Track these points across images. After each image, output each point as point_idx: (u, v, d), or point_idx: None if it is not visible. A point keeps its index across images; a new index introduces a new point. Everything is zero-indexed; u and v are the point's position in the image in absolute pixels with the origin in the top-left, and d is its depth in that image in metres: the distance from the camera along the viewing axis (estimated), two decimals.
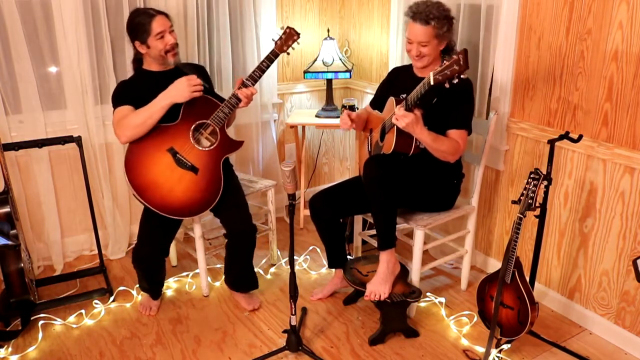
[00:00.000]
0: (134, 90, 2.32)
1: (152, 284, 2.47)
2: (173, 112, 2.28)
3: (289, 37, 2.41)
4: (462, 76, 1.88)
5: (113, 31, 2.75)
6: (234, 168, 2.78)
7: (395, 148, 2.16)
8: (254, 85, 2.34)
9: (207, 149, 2.32)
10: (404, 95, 2.26)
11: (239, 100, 2.32)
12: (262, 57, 3.11)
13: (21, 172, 2.72)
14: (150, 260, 2.37)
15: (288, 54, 2.42)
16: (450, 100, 2.17)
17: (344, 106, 3.14)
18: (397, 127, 2.10)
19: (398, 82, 2.44)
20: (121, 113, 2.26)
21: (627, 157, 2.06)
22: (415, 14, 2.15)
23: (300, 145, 3.40)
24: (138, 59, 2.41)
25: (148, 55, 2.33)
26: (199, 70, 2.51)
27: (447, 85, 1.92)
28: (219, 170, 2.33)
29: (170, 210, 2.27)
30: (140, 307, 2.51)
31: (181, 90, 2.21)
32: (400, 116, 2.04)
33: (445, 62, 1.88)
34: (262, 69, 2.34)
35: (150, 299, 2.52)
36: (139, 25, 2.26)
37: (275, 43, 2.40)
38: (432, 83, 1.93)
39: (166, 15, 2.32)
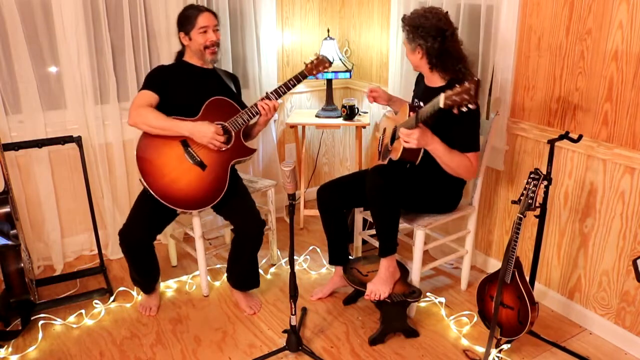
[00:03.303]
0: (167, 76, 2.41)
1: (142, 273, 2.42)
2: (194, 107, 2.35)
3: (320, 63, 2.51)
4: (470, 106, 1.80)
5: (113, 31, 2.75)
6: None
7: (402, 156, 2.15)
8: (277, 99, 2.41)
9: (219, 149, 2.35)
10: (417, 103, 2.28)
11: (258, 111, 2.39)
12: (262, 57, 3.18)
13: (21, 172, 2.72)
14: (136, 241, 2.30)
15: (317, 78, 2.55)
16: (454, 122, 2.09)
17: (344, 106, 3.14)
18: None
19: (417, 87, 2.49)
20: (143, 96, 2.34)
21: (627, 157, 2.06)
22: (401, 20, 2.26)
23: (300, 145, 3.40)
24: (180, 52, 2.52)
25: (189, 48, 2.44)
26: (232, 79, 2.62)
27: (455, 112, 1.85)
28: (226, 171, 2.36)
29: (170, 200, 2.29)
30: (140, 308, 2.51)
31: (203, 136, 2.29)
32: (406, 136, 2.03)
33: (457, 86, 1.82)
34: (288, 86, 2.43)
35: (149, 299, 2.51)
36: (187, 17, 2.40)
37: (306, 65, 2.50)
38: (441, 106, 1.87)
39: (214, 14, 2.43)
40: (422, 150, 2.14)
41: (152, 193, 2.27)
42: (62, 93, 2.75)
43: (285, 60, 3.41)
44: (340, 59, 3.22)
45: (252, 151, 2.45)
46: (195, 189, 2.32)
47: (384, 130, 2.54)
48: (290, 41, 3.40)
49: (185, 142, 2.33)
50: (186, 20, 2.39)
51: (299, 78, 2.45)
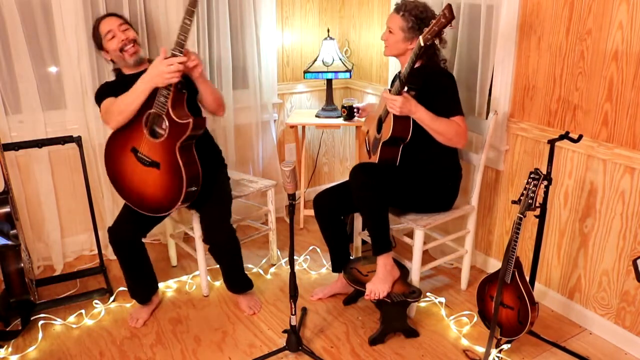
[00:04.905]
0: (113, 92, 2.29)
1: (134, 277, 2.39)
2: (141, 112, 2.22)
3: None
4: (451, 26, 1.92)
5: None
6: (234, 168, 2.78)
7: (393, 133, 2.18)
8: (182, 53, 2.07)
9: (160, 140, 2.19)
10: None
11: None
12: (262, 57, 3.17)
13: (21, 172, 2.72)
14: (124, 239, 2.29)
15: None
16: (429, 91, 2.19)
17: (343, 106, 3.14)
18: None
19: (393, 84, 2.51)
20: (108, 103, 2.26)
21: (627, 157, 2.06)
22: (396, 6, 2.28)
23: (300, 145, 3.40)
24: (118, 69, 2.42)
25: (117, 62, 2.34)
26: None
27: (437, 42, 2.00)
28: (176, 157, 2.18)
29: (151, 209, 2.28)
30: (128, 316, 2.45)
31: (158, 75, 2.05)
32: (390, 100, 2.10)
33: (433, 21, 1.94)
34: (185, 28, 2.03)
35: (140, 310, 2.45)
36: (93, 33, 2.30)
37: None
38: (422, 44, 1.96)
39: (117, 15, 2.32)
40: (412, 125, 2.17)
41: (136, 209, 2.28)
42: (62, 93, 2.75)
43: (285, 60, 3.41)
44: (340, 59, 3.22)
45: (187, 125, 2.13)
46: (160, 189, 2.24)
47: (368, 131, 2.56)
48: (290, 41, 3.40)
49: (134, 149, 2.23)
50: (95, 35, 2.29)
51: (190, 11, 2.02)
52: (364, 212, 2.25)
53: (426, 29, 1.95)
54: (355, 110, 2.90)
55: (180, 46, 2.05)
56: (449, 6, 1.88)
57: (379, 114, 2.37)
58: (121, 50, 2.27)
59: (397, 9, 2.25)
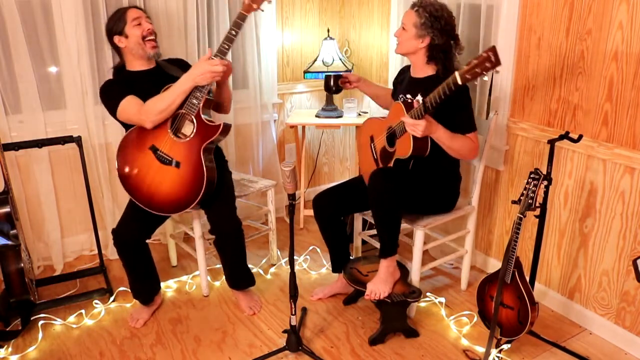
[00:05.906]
0: (127, 89, 2.26)
1: (139, 278, 2.40)
2: None
3: None
4: (497, 70, 1.84)
5: None
6: (234, 168, 2.78)
7: (413, 152, 2.14)
8: (223, 58, 2.18)
9: (185, 140, 2.24)
10: (410, 97, 2.26)
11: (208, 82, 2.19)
12: (262, 57, 3.17)
13: (21, 172, 2.72)
14: (129, 240, 2.30)
15: (262, 10, 2.21)
16: (448, 107, 2.13)
17: (335, 76, 3.00)
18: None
19: (400, 83, 2.47)
20: (132, 102, 2.23)
21: (627, 157, 2.06)
22: (413, 3, 2.24)
23: (300, 145, 3.40)
24: (119, 67, 2.40)
25: (128, 51, 2.30)
26: (178, 64, 2.48)
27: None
28: (200, 159, 2.24)
29: (161, 208, 2.27)
30: (129, 316, 2.45)
31: (201, 74, 2.13)
32: (412, 125, 2.05)
33: (474, 60, 1.85)
34: (230, 38, 2.16)
35: (141, 310, 2.46)
36: (115, 19, 2.29)
37: (243, 4, 2.18)
38: (460, 83, 1.89)
39: (139, 8, 2.38)
40: (430, 142, 2.14)
41: (147, 209, 2.28)
42: (62, 93, 2.75)
43: (285, 60, 3.41)
44: (340, 59, 3.22)
45: (217, 128, 2.24)
46: (178, 188, 2.25)
47: (371, 137, 2.47)
48: (290, 41, 3.40)
49: (153, 147, 2.25)
50: (117, 21, 2.28)
51: (238, 23, 2.15)
52: (380, 214, 2.21)
53: (466, 67, 1.86)
54: (346, 81, 2.64)
55: (222, 53, 2.17)
56: (494, 50, 1.78)
57: (389, 124, 2.30)
58: (143, 38, 2.29)
59: (413, 5, 2.21)
